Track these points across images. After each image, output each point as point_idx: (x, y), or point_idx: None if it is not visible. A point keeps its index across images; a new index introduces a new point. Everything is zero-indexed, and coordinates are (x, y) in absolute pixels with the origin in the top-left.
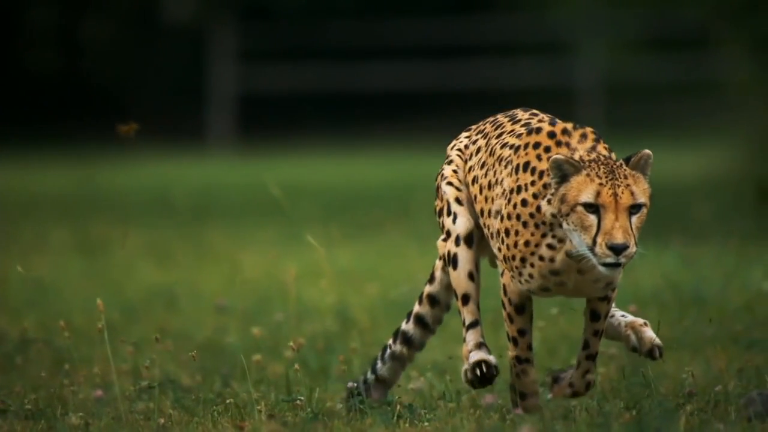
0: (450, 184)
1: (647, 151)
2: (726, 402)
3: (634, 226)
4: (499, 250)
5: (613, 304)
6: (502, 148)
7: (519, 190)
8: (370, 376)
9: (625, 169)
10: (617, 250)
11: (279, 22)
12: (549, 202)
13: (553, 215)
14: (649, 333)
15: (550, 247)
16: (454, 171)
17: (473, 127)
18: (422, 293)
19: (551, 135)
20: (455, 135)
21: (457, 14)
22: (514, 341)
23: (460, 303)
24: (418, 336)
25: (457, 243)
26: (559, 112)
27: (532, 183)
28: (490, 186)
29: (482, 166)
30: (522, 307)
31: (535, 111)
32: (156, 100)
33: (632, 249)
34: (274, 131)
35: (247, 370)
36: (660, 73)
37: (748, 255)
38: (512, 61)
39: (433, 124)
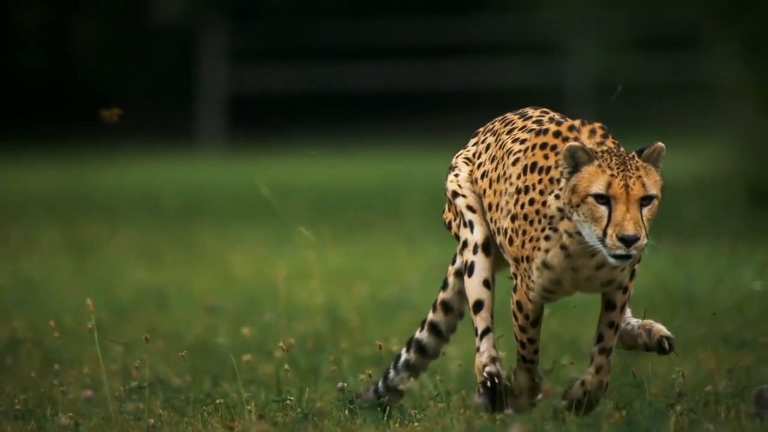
0: (458, 194)
1: (660, 143)
2: (716, 402)
3: (645, 218)
4: (508, 247)
5: (628, 302)
6: (512, 142)
7: (527, 190)
8: (381, 385)
9: (637, 161)
10: (628, 241)
11: (269, 22)
12: (557, 197)
13: (560, 209)
14: (658, 326)
15: (547, 239)
16: (461, 181)
17: (480, 129)
18: (436, 300)
19: (557, 134)
20: (446, 135)
21: (447, 14)
22: (522, 344)
23: (471, 311)
24: (432, 344)
25: (474, 251)
26: None
27: (539, 181)
28: (499, 179)
29: (492, 160)
30: (536, 321)
31: (545, 109)
32: (145, 100)
33: (643, 241)
34: (264, 131)
35: (237, 371)
36: (650, 73)
37: (738, 255)
38: (503, 62)
39: (424, 124)
